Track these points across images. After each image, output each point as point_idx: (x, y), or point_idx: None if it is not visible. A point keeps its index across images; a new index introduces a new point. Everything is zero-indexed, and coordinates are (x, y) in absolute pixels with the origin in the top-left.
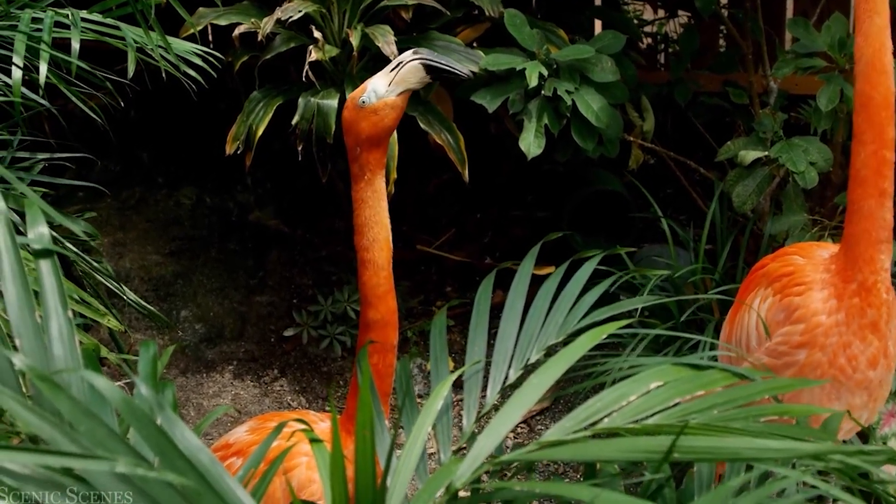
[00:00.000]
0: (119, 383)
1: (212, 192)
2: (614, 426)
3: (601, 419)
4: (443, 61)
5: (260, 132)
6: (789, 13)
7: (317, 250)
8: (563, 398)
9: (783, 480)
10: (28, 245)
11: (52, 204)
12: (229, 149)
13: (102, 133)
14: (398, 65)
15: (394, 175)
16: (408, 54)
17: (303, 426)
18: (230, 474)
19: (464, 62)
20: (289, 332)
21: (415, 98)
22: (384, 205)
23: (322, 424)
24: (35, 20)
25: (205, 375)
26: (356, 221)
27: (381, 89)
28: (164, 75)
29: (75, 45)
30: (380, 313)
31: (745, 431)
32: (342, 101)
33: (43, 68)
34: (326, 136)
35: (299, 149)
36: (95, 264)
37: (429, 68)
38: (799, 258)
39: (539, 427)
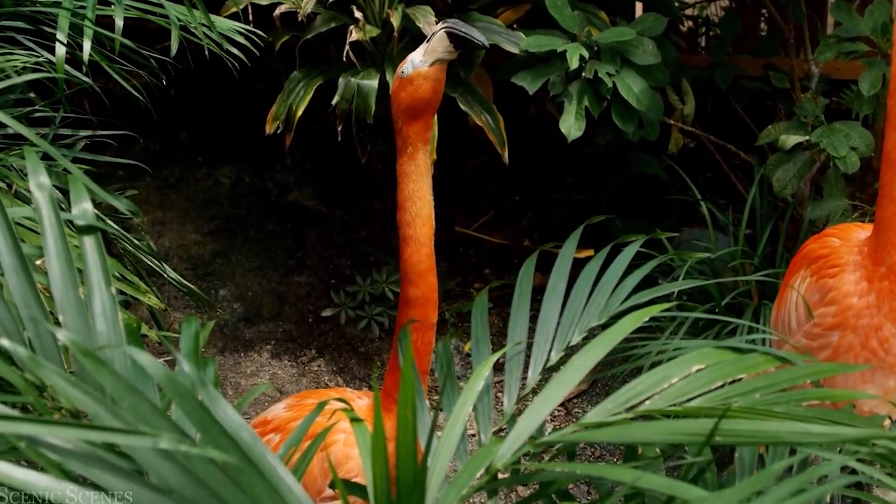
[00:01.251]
0: (159, 361)
1: (251, 171)
2: (656, 409)
3: (642, 401)
4: (463, 30)
5: (300, 112)
6: None
7: (355, 231)
8: (600, 381)
9: (826, 465)
10: (71, 221)
11: (93, 181)
12: (269, 128)
13: (142, 111)
14: (433, 34)
15: (433, 156)
16: (439, 25)
17: (342, 404)
18: (271, 451)
19: (504, 43)
20: (327, 313)
21: (455, 79)
22: (427, 180)
23: (360, 402)
24: None
25: (243, 355)
26: (399, 197)
27: (417, 60)
28: (206, 54)
29: (119, 23)
30: (420, 290)
31: (788, 415)
32: (382, 81)
33: (87, 45)
34: (366, 116)
35: (339, 129)
36: (137, 242)
37: (451, 36)
38: (836, 240)
39: (576, 410)
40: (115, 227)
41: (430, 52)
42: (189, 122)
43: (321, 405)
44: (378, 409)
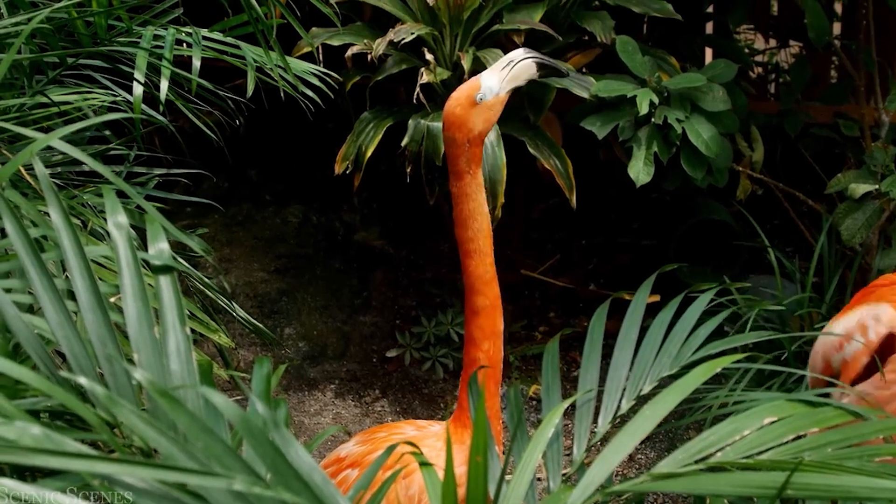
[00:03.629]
0: (232, 401)
1: (318, 210)
2: (727, 461)
3: (714, 453)
4: (547, 59)
5: (369, 153)
6: None
7: (421, 272)
8: (663, 428)
9: None
10: (146, 260)
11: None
12: (338, 168)
13: (211, 148)
14: (509, 63)
15: (501, 200)
16: (519, 52)
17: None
18: (342, 493)
19: (574, 88)
20: (391, 353)
21: (524, 123)
22: (484, 196)
23: (433, 428)
24: (155, 37)
25: (307, 393)
26: (460, 216)
27: (496, 86)
28: (282, 95)
29: (196, 64)
30: (488, 299)
31: (860, 470)
32: None
33: (164, 85)
34: (435, 158)
35: (408, 170)
36: (207, 280)
37: (539, 65)
38: None
39: (640, 456)
40: (186, 264)
41: (514, 79)
42: (258, 160)
43: (392, 447)
44: (449, 452)
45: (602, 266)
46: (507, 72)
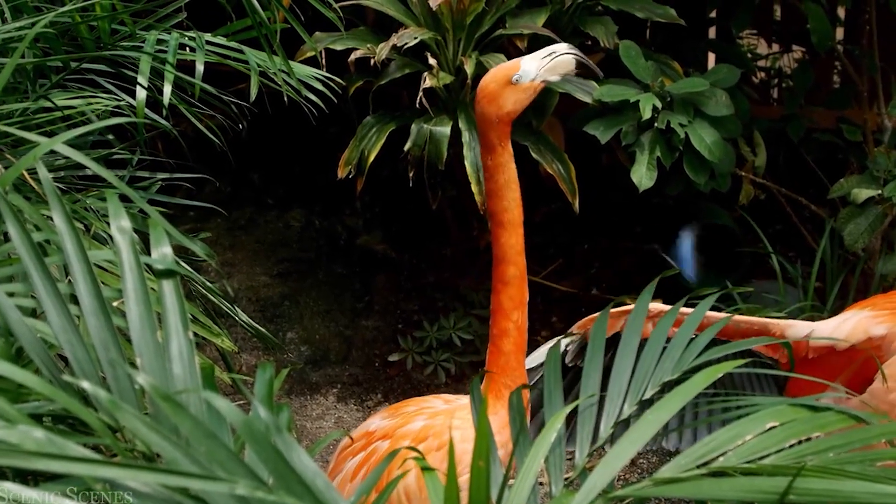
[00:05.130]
0: (234, 405)
1: (321, 214)
2: (729, 465)
3: (716, 458)
4: (588, 60)
5: (372, 157)
6: None
7: (424, 276)
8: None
9: None
10: (149, 264)
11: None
12: (341, 173)
13: (214, 153)
14: (550, 53)
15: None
16: (562, 46)
17: (445, 408)
18: (373, 465)
19: (577, 92)
20: (393, 358)
21: (527, 128)
22: (515, 167)
23: (462, 401)
24: (159, 41)
25: (309, 398)
26: (494, 186)
27: (533, 73)
28: (285, 99)
29: (199, 68)
30: (518, 269)
31: (862, 475)
32: (455, 128)
33: (167, 89)
34: (438, 163)
35: (411, 175)
36: (209, 284)
37: (579, 63)
38: None
39: (641, 461)
40: (188, 268)
41: (550, 70)
42: (260, 164)
43: (395, 452)
44: (452, 458)
45: (605, 270)
46: (546, 61)
